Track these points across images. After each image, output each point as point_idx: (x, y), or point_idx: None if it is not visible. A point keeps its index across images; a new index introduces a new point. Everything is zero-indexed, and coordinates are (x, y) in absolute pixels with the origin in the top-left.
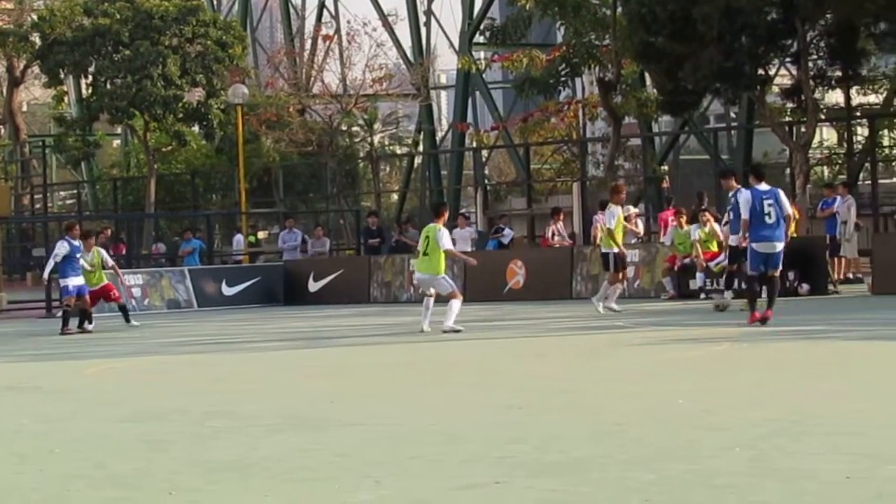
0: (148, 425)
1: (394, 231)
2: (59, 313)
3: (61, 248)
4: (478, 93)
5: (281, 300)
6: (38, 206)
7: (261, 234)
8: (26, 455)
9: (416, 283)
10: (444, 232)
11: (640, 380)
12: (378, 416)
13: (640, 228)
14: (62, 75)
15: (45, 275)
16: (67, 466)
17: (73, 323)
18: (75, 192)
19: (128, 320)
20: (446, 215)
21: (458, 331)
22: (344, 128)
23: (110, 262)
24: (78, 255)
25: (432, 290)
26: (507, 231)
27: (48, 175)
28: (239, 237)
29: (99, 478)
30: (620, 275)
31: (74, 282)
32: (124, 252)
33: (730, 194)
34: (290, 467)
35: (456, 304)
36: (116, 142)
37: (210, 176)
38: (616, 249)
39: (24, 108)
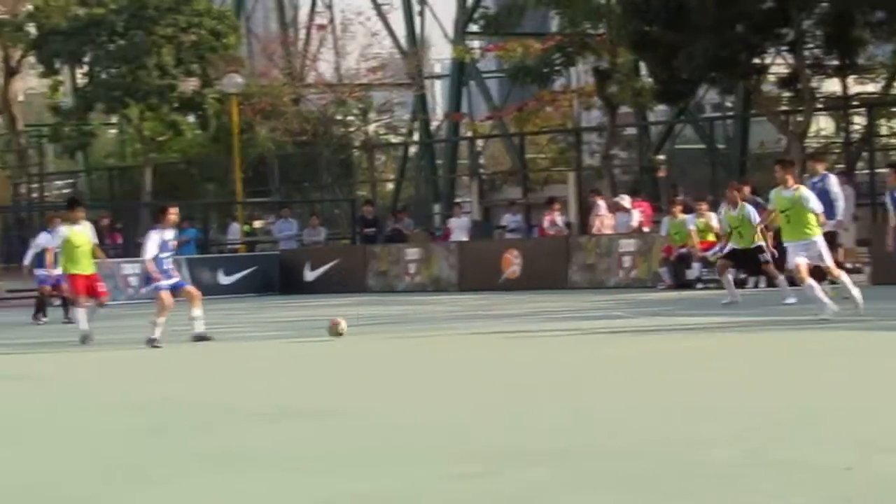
0: (142, 415)
1: (389, 220)
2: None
3: (42, 238)
4: (472, 82)
5: (277, 289)
6: (34, 195)
7: (256, 224)
8: (21, 446)
9: None
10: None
11: (632, 369)
12: (368, 406)
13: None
14: (57, 65)
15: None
16: (62, 457)
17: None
18: (72, 181)
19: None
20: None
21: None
22: (339, 117)
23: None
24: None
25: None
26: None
27: (44, 164)
28: (234, 226)
29: (92, 468)
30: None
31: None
32: (121, 241)
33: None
34: (282, 457)
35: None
36: (112, 131)
37: (205, 165)
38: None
39: (21, 98)
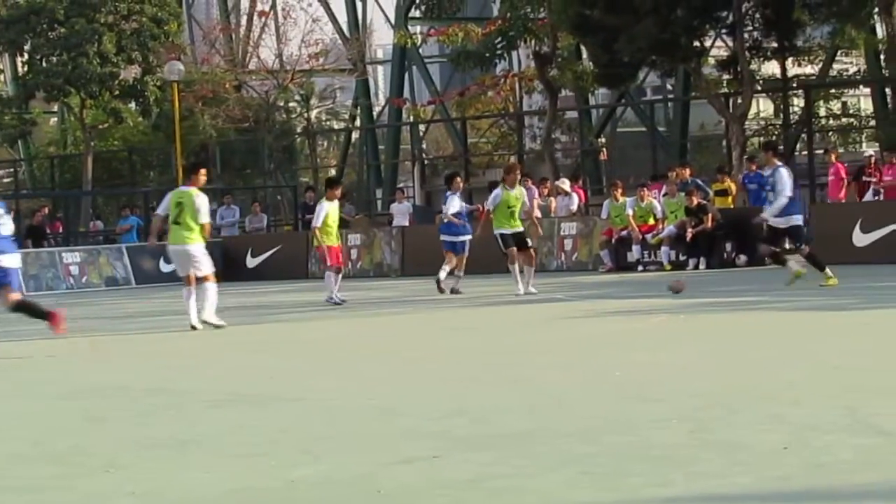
0: (85, 402)
1: None
2: None
3: None
4: (414, 67)
5: (219, 276)
6: None
7: None
8: None
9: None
10: (203, 199)
11: (576, 352)
12: (316, 391)
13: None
14: None
15: None
16: (4, 445)
17: None
18: (12, 170)
19: None
20: (202, 177)
21: (219, 326)
22: (280, 103)
23: None
24: None
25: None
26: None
27: None
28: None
29: (36, 455)
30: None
31: None
32: (61, 230)
33: (767, 170)
34: (229, 443)
35: (212, 288)
36: (53, 119)
37: (147, 153)
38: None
39: None
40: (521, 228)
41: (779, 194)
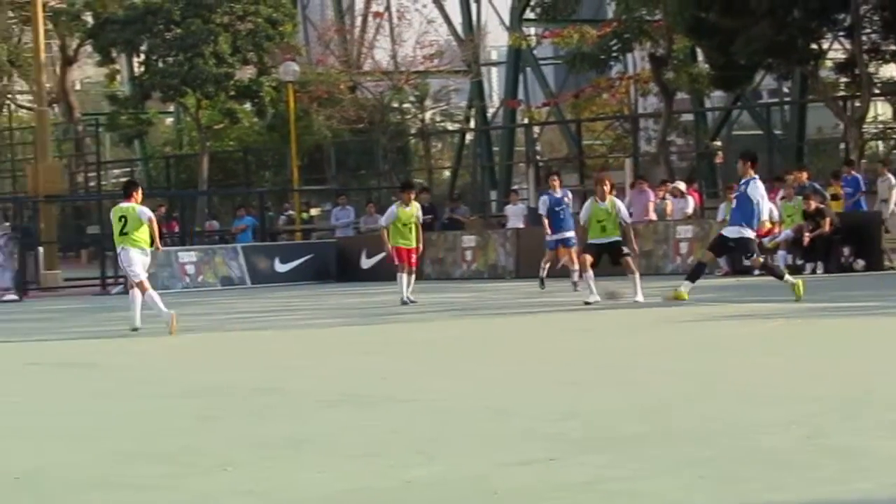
0: (198, 401)
1: (446, 207)
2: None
3: None
4: (528, 69)
5: (334, 277)
6: (91, 184)
7: (313, 212)
8: (81, 433)
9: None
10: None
11: (692, 355)
12: (429, 392)
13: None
14: (114, 54)
15: None
16: (121, 444)
17: None
18: (129, 169)
19: None
20: (138, 195)
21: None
22: (395, 105)
23: None
24: None
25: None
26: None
27: (101, 153)
28: (287, 213)
29: (151, 454)
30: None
31: None
32: (177, 229)
33: (742, 182)
34: (342, 443)
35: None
36: (169, 119)
37: (262, 153)
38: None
39: (78, 87)
40: (615, 238)
41: (759, 203)
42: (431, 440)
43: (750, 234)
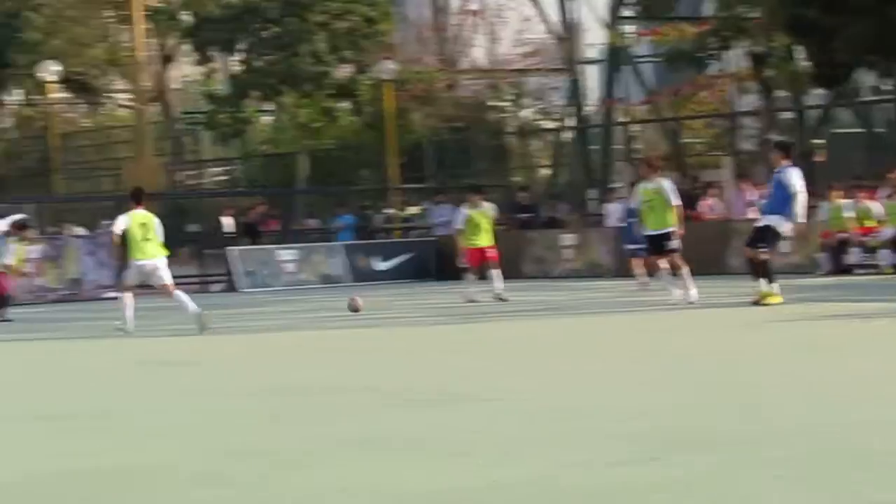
0: (286, 399)
1: (545, 205)
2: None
3: None
4: (626, 67)
5: (434, 275)
6: (190, 182)
7: (412, 210)
8: (171, 430)
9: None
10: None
11: (792, 355)
12: (514, 392)
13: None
14: (212, 53)
15: None
16: (212, 441)
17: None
18: (227, 168)
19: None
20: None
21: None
22: (493, 103)
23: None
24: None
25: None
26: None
27: (200, 151)
28: (385, 212)
29: (240, 451)
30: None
31: None
32: (277, 227)
33: (777, 170)
34: (430, 442)
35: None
36: (267, 118)
37: (360, 151)
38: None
39: (176, 86)
40: (665, 229)
41: (795, 194)
42: (517, 439)
43: (779, 225)
